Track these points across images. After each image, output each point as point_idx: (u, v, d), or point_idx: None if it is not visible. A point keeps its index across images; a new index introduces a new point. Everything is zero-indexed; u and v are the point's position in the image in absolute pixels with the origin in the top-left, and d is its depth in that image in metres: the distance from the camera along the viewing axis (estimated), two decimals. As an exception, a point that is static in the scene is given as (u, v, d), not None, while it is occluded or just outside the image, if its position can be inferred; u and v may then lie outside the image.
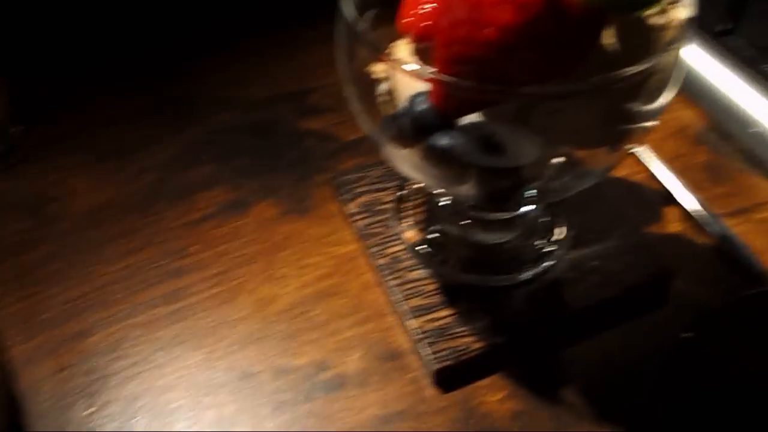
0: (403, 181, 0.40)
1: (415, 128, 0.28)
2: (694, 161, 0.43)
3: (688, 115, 0.46)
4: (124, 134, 0.45)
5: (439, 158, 0.29)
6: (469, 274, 0.36)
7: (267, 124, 0.46)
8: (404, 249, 0.37)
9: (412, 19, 0.29)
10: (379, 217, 0.39)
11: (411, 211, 0.39)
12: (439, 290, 0.35)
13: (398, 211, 0.39)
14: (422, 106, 0.28)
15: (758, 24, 0.46)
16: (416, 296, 0.35)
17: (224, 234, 0.40)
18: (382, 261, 0.37)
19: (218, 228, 0.40)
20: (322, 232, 0.40)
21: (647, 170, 0.42)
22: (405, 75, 0.27)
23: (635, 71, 0.24)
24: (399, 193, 0.40)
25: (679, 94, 0.44)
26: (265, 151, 0.44)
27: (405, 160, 0.31)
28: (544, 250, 0.37)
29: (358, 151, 0.44)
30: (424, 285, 0.36)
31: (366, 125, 0.32)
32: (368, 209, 0.39)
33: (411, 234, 0.38)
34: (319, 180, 0.42)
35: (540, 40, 0.23)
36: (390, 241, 0.38)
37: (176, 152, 0.44)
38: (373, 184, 0.40)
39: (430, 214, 0.39)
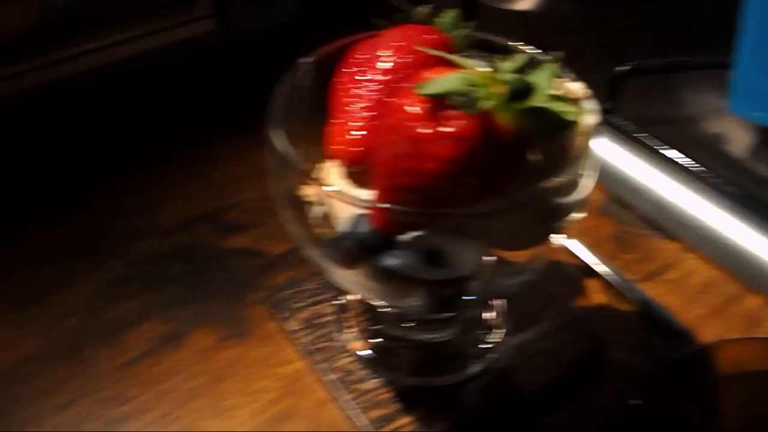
0: (339, 292, 0.41)
1: (360, 250, 0.29)
2: (603, 233, 0.46)
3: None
4: (38, 278, 0.43)
5: (386, 276, 0.29)
6: (419, 377, 0.37)
7: (188, 248, 0.45)
8: (353, 360, 0.37)
9: (343, 145, 0.30)
10: (323, 331, 0.39)
11: (353, 321, 0.39)
12: (395, 398, 0.36)
13: (340, 322, 0.39)
14: (364, 228, 0.28)
15: (632, 101, 0.51)
16: (374, 407, 0.35)
17: (163, 371, 0.38)
18: (332, 376, 0.37)
19: (155, 366, 0.39)
20: (265, 353, 0.39)
21: (563, 247, 0.45)
22: (344, 202, 0.28)
23: (560, 182, 0.26)
24: (339, 303, 0.40)
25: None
26: (191, 277, 0.43)
27: (350, 280, 0.32)
28: (487, 341, 0.38)
29: (287, 264, 0.44)
30: (380, 394, 0.36)
31: (306, 247, 0.32)
32: (309, 324, 0.39)
33: (356, 343, 0.38)
34: (252, 299, 0.42)
35: (478, 167, 0.24)
36: (337, 355, 0.38)
37: (97, 290, 0.42)
38: (310, 297, 0.40)
39: (373, 320, 0.39)
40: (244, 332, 0.40)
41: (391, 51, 0.30)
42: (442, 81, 0.24)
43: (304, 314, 0.40)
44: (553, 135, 0.25)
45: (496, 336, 0.39)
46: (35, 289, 0.42)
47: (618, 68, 0.49)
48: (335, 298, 0.40)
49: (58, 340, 0.40)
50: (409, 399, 0.35)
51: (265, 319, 0.41)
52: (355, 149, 0.29)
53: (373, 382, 0.36)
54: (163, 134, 0.54)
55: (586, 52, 0.58)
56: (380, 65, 0.30)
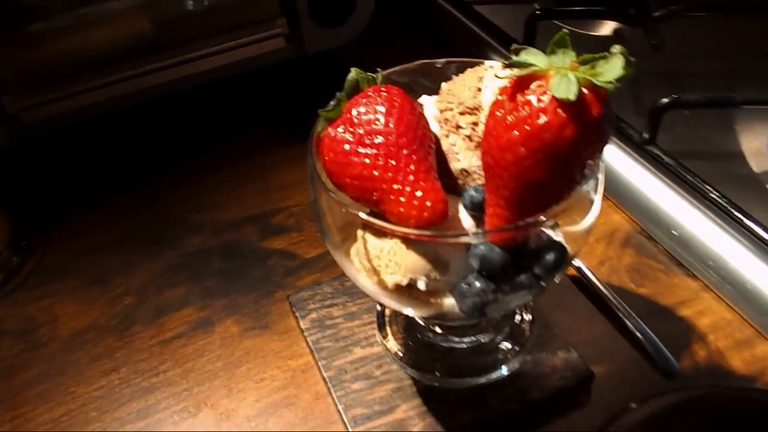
0: (349, 298, 0.45)
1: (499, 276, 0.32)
2: (620, 264, 0.47)
3: (616, 220, 0.50)
4: (106, 260, 0.50)
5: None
6: (443, 377, 0.40)
7: (234, 245, 0.51)
8: (349, 361, 0.41)
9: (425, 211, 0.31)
10: (329, 332, 0.43)
11: (387, 323, 0.44)
12: (380, 398, 0.39)
13: (380, 321, 0.43)
14: (491, 254, 0.32)
15: (673, 133, 0.50)
16: (357, 406, 0.39)
17: (191, 352, 0.44)
18: (329, 373, 0.41)
19: (186, 346, 0.44)
20: (279, 346, 0.44)
21: (576, 271, 0.46)
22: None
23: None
24: (378, 308, 0.44)
25: (608, 199, 0.49)
26: (232, 271, 0.49)
27: (383, 293, 0.35)
28: (505, 349, 0.41)
29: (314, 267, 0.48)
30: (365, 395, 0.39)
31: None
32: (319, 324, 0.43)
33: (388, 344, 0.42)
34: (279, 296, 0.47)
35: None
36: (337, 354, 0.42)
37: (153, 276, 0.49)
38: (324, 300, 0.45)
39: (405, 324, 0.43)
40: (265, 325, 0.45)
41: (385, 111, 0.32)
42: (562, 84, 0.27)
43: (315, 315, 0.44)
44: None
45: (517, 347, 0.41)
46: (103, 269, 0.50)
47: (659, 101, 0.49)
48: (345, 303, 0.44)
49: (114, 315, 0.47)
50: (401, 398, 0.39)
51: (286, 316, 0.46)
52: (440, 209, 0.31)
53: (362, 384, 0.40)
54: (229, 139, 0.60)
55: (646, 79, 0.58)
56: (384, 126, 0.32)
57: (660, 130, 0.50)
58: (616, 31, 0.66)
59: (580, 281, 0.45)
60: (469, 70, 0.36)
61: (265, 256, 0.50)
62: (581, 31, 0.67)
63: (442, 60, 0.38)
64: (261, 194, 0.55)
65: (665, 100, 0.49)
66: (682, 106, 0.49)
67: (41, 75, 0.54)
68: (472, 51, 0.66)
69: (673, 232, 0.47)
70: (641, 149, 0.50)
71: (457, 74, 0.37)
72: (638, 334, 0.42)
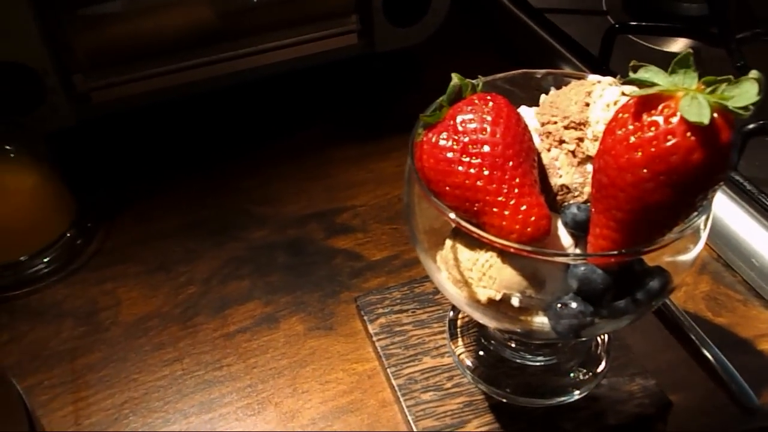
0: (419, 305, 0.44)
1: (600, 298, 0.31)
2: (697, 291, 0.46)
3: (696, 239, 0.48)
4: (171, 247, 0.50)
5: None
6: (515, 395, 0.39)
7: (300, 242, 0.50)
8: (419, 371, 0.40)
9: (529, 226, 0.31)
10: (398, 338, 0.42)
11: (460, 334, 0.43)
12: (451, 411, 0.38)
13: (452, 332, 0.43)
14: (591, 276, 0.31)
15: (757, 159, 0.49)
16: (427, 417, 0.38)
17: (256, 347, 0.44)
18: (398, 381, 0.40)
19: (250, 341, 0.44)
20: (345, 348, 0.43)
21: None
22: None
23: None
24: (450, 316, 0.43)
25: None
26: (297, 268, 0.48)
27: (472, 306, 0.34)
28: (580, 371, 0.40)
29: (381, 270, 0.48)
30: (435, 407, 0.39)
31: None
32: (388, 330, 0.43)
33: (462, 355, 0.41)
34: (344, 297, 0.46)
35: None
36: (406, 362, 0.41)
37: (218, 267, 0.49)
38: (394, 305, 0.44)
39: (482, 336, 0.42)
40: (331, 326, 0.45)
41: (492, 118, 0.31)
42: (693, 106, 0.26)
43: (384, 320, 0.43)
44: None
45: (589, 375, 0.40)
46: (167, 257, 0.49)
47: (746, 126, 0.48)
48: (415, 310, 0.44)
49: (178, 304, 0.46)
50: (474, 414, 0.38)
51: (352, 318, 0.45)
52: (544, 225, 0.31)
53: (432, 395, 0.39)
54: (296, 133, 0.59)
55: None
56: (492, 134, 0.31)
57: (742, 156, 0.49)
58: (691, 49, 0.64)
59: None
60: (574, 82, 0.35)
61: (330, 255, 0.49)
62: (654, 47, 0.66)
63: (542, 71, 0.37)
64: (326, 192, 0.54)
65: (752, 125, 0.48)
66: (769, 132, 0.48)
67: (113, 56, 0.54)
68: (541, 59, 0.64)
69: (754, 261, 0.46)
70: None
71: (555, 86, 0.36)
72: (716, 365, 0.41)
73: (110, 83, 0.54)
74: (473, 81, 0.33)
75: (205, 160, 0.57)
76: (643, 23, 0.62)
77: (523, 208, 0.30)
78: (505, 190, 0.31)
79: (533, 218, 0.30)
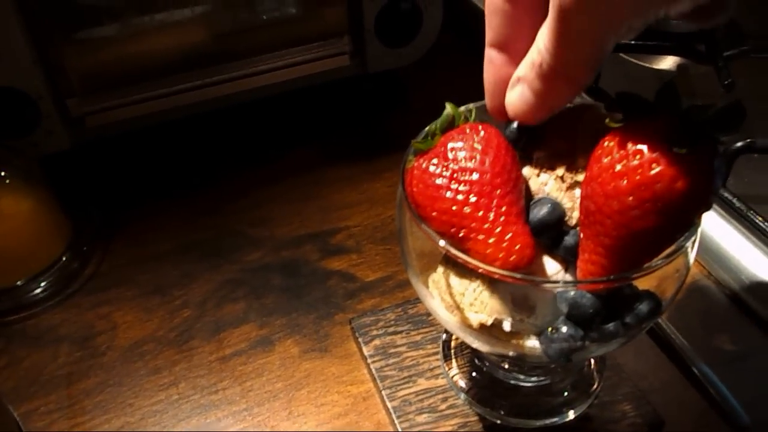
0: (413, 326, 0.44)
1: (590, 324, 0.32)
2: (689, 308, 0.46)
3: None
4: (166, 270, 0.50)
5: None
6: (510, 417, 0.39)
7: (294, 263, 0.50)
8: (414, 392, 0.41)
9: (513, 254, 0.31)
10: (393, 360, 0.42)
11: (454, 356, 0.43)
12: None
13: (445, 353, 0.43)
14: (582, 301, 0.31)
15: (745, 177, 0.50)
16: (423, 440, 0.38)
17: (251, 370, 0.44)
18: (393, 403, 0.40)
19: (246, 364, 0.44)
20: (340, 370, 0.44)
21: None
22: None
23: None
24: (444, 338, 0.44)
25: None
26: (292, 290, 0.49)
27: (463, 330, 0.34)
28: (573, 391, 0.41)
29: (375, 291, 0.48)
30: (431, 429, 0.39)
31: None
32: (383, 351, 0.43)
33: (456, 377, 0.42)
34: (339, 319, 0.46)
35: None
36: (401, 384, 0.41)
37: (212, 289, 0.49)
38: (388, 326, 0.44)
39: (475, 358, 0.42)
40: (326, 348, 0.45)
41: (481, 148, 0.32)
42: (674, 134, 0.26)
43: (378, 342, 0.43)
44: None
45: (585, 387, 0.41)
46: (162, 280, 0.49)
47: (734, 144, 0.48)
48: (409, 331, 0.44)
49: (173, 327, 0.46)
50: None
51: (347, 340, 0.45)
52: (528, 254, 0.31)
53: (427, 416, 0.39)
54: (288, 154, 0.60)
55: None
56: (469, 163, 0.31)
57: (730, 173, 0.49)
58: (679, 66, 0.65)
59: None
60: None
61: (325, 276, 0.49)
62: (643, 64, 0.66)
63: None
64: (320, 212, 0.54)
65: (740, 143, 0.48)
66: (758, 150, 0.48)
67: (107, 80, 0.54)
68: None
69: (744, 278, 0.46)
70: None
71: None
72: (707, 384, 0.41)
73: (104, 107, 0.54)
74: (466, 110, 0.34)
75: (199, 182, 0.57)
76: (632, 41, 0.62)
77: (508, 236, 0.31)
78: (491, 218, 0.31)
79: (518, 246, 0.31)
